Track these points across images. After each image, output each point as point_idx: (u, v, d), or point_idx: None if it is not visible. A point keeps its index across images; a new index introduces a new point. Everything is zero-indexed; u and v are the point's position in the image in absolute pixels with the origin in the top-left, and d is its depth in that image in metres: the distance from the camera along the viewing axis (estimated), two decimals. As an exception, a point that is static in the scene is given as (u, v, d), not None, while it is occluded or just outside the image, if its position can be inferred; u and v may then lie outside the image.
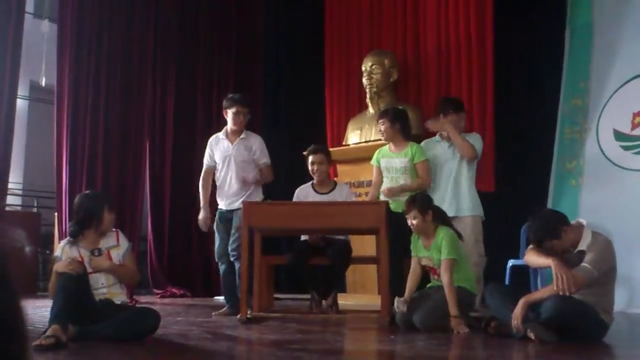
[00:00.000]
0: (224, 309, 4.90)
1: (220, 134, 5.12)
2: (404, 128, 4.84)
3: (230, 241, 4.91)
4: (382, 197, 4.83)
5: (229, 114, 5.01)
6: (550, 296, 3.29)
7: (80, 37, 6.74)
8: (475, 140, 4.88)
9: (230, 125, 5.05)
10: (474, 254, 4.61)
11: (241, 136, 5.03)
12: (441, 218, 4.14)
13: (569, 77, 6.15)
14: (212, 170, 5.12)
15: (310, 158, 5.00)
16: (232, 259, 4.90)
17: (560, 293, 3.23)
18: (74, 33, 6.71)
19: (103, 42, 6.90)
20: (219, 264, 5.07)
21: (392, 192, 4.63)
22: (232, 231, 4.90)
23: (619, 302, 4.54)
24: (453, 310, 3.78)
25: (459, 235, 4.14)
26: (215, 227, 5.09)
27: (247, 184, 4.92)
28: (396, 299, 3.92)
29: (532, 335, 3.23)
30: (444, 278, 3.85)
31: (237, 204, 4.91)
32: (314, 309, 4.86)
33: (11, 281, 1.00)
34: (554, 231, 3.39)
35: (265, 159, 5.09)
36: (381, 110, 5.26)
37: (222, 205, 5.06)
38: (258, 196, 5.02)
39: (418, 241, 4.12)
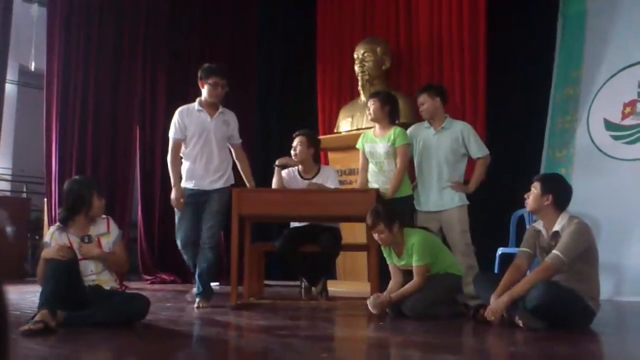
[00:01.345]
0: (197, 298, 4.48)
1: (195, 105, 4.68)
2: (392, 112, 4.84)
3: (207, 226, 4.52)
4: (371, 185, 4.83)
5: (206, 86, 4.64)
6: (536, 284, 3.32)
7: (69, 21, 6.68)
8: (474, 142, 4.77)
9: (206, 97, 4.66)
10: (460, 244, 4.60)
11: (219, 110, 4.70)
12: (405, 222, 4.09)
13: (561, 66, 6.16)
14: (181, 144, 4.66)
15: (293, 141, 4.99)
16: (206, 246, 4.51)
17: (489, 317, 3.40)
18: (64, 17, 6.65)
19: (93, 26, 6.84)
20: (183, 252, 4.65)
21: (389, 197, 4.66)
22: (209, 216, 4.54)
23: (607, 290, 4.58)
24: (395, 297, 3.84)
25: (426, 228, 4.18)
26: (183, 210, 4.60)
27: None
28: (372, 297, 3.89)
29: (520, 323, 3.25)
30: (416, 280, 3.87)
31: (220, 184, 4.61)
32: (303, 296, 4.87)
33: None
34: (566, 199, 3.53)
35: (239, 139, 4.87)
36: (373, 92, 5.25)
37: (193, 184, 4.60)
38: (232, 176, 4.75)
39: (390, 250, 4.06)
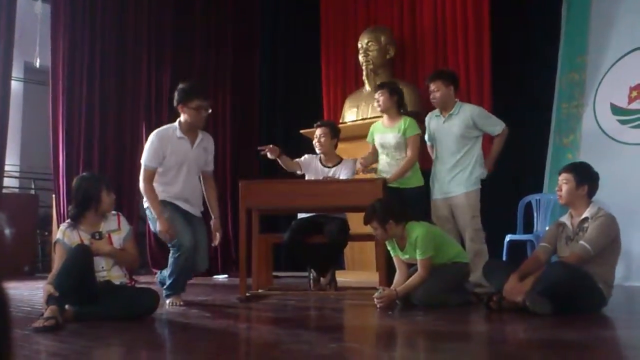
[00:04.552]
0: (173, 299, 4.07)
1: (175, 131, 4.16)
2: (400, 102, 4.84)
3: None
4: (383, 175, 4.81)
5: (186, 110, 4.14)
6: (551, 263, 3.46)
7: (74, 17, 6.70)
8: (489, 122, 4.69)
9: (189, 122, 4.15)
10: (469, 230, 4.58)
11: (200, 136, 4.25)
12: (405, 216, 3.98)
13: (566, 51, 6.12)
14: (155, 173, 4.14)
15: (316, 131, 5.01)
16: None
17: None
18: (68, 13, 6.66)
19: (97, 22, 6.85)
20: (187, 254, 4.02)
21: (391, 181, 4.62)
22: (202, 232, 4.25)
23: (616, 275, 4.56)
24: (401, 290, 3.82)
25: (429, 221, 4.17)
26: (172, 217, 4.06)
27: None
28: (377, 291, 3.83)
29: (527, 303, 3.28)
30: (420, 273, 3.85)
31: (199, 213, 4.30)
32: (312, 287, 4.88)
33: None
34: (597, 187, 3.62)
35: (212, 166, 4.46)
36: (379, 83, 5.23)
37: (179, 203, 4.18)
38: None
39: (394, 243, 4.03)
